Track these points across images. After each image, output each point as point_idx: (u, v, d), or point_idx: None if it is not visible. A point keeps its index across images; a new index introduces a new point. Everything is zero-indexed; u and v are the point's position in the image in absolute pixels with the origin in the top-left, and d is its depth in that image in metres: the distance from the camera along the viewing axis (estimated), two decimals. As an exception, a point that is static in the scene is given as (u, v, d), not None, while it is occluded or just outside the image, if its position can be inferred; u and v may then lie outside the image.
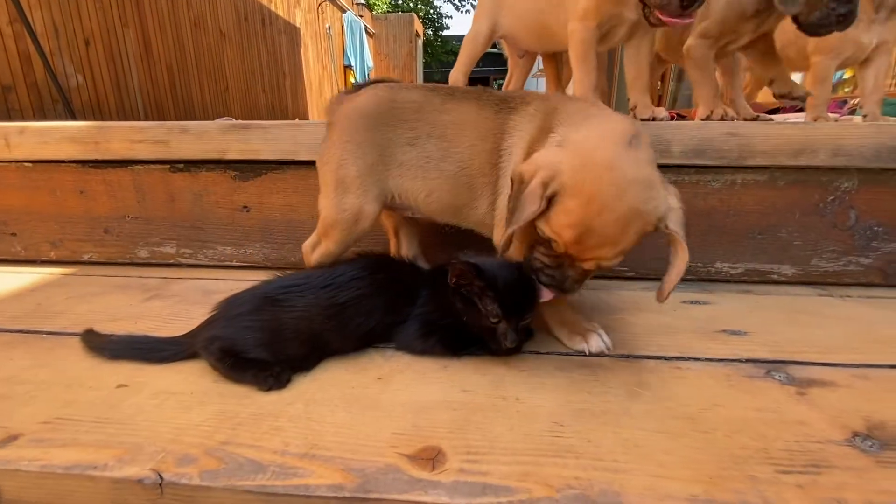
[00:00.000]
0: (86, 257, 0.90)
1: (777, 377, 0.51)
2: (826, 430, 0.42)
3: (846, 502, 0.34)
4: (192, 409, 0.45)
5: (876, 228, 0.75)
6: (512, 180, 0.50)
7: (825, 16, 0.73)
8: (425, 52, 11.98)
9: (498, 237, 0.58)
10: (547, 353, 0.57)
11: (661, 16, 0.66)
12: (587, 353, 0.56)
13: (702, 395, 0.48)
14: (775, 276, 0.79)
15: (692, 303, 0.72)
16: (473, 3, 15.16)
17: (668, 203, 0.47)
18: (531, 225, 0.48)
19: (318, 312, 0.53)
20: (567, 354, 0.56)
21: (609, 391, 0.49)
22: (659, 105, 0.87)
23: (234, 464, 0.38)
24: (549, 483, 0.36)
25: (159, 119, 3.33)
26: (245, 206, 0.84)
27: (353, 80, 7.62)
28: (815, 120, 1.03)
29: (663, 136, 0.71)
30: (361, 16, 8.06)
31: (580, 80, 0.75)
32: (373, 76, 8.40)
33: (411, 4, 12.92)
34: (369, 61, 7.92)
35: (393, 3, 12.28)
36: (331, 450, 0.40)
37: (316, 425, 0.43)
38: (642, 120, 0.76)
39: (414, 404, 0.46)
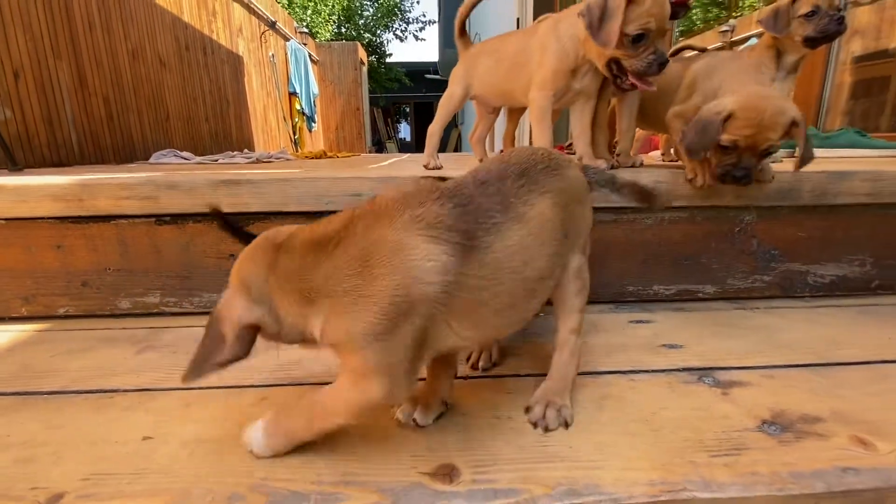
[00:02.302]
0: (61, 311, 0.89)
1: (706, 381, 0.64)
2: (743, 421, 0.55)
3: (759, 473, 0.46)
4: (224, 454, 0.50)
5: (773, 252, 0.94)
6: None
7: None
8: (370, 78, 12.16)
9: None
10: (526, 376, 0.66)
11: (635, 81, 0.80)
12: None
13: (651, 401, 0.60)
14: (701, 294, 0.95)
15: (637, 322, 0.86)
16: (416, 33, 15.66)
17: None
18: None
19: None
20: (544, 375, 0.67)
21: (580, 404, 0.59)
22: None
23: (279, 496, 0.44)
24: (544, 483, 0.45)
25: (95, 152, 3.18)
26: (232, 255, 0.88)
27: (298, 107, 7.59)
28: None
29: (606, 184, 0.85)
30: (305, 44, 8.09)
31: (538, 136, 0.88)
32: (318, 102, 8.40)
33: (354, 33, 13.11)
34: (314, 88, 7.94)
35: (336, 31, 12.41)
36: (361, 475, 0.47)
37: (342, 456, 0.50)
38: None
39: (423, 430, 0.54)
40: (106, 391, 0.64)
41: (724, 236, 0.92)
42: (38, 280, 0.88)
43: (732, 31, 5.18)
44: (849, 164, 1.00)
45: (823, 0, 1.04)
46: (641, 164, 1.00)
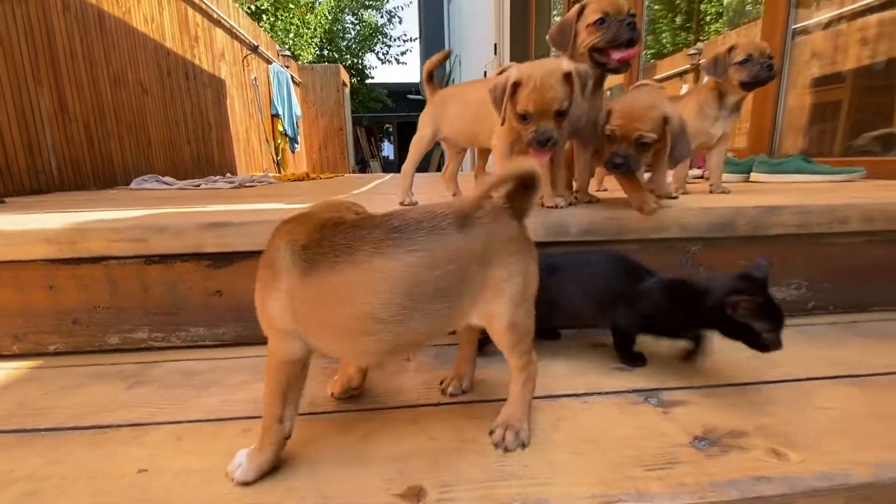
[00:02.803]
0: (51, 349, 0.93)
1: (651, 402, 0.72)
2: (678, 438, 0.63)
3: (685, 484, 0.54)
4: (216, 482, 0.56)
5: (718, 278, 1.03)
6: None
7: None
8: (353, 99, 12.33)
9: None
10: (491, 401, 0.73)
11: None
12: None
13: (602, 421, 0.67)
14: (655, 318, 1.03)
15: (596, 346, 0.93)
16: (397, 57, 15.97)
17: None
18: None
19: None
20: (503, 399, 0.73)
21: (537, 426, 0.66)
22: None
23: (265, 520, 0.49)
24: (500, 501, 0.52)
25: (75, 178, 3.18)
26: (218, 291, 0.94)
27: (280, 129, 7.65)
28: (676, 190, 1.35)
29: (563, 220, 0.94)
30: (287, 66, 8.21)
31: (500, 176, 0.97)
32: (300, 123, 8.47)
33: (336, 55, 13.32)
34: (297, 109, 8.02)
35: (318, 53, 12.58)
36: (340, 497, 0.52)
37: (322, 482, 0.55)
38: (548, 207, 0.99)
39: (395, 455, 0.60)
40: (100, 427, 0.68)
41: (674, 265, 1.01)
42: (28, 319, 0.91)
43: (700, 54, 5.46)
44: (781, 198, 1.11)
45: (755, 49, 1.17)
46: (598, 201, 1.10)
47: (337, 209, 0.64)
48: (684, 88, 5.04)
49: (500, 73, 1.00)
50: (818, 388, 0.76)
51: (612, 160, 0.92)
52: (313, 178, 5.33)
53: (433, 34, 12.98)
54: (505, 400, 0.68)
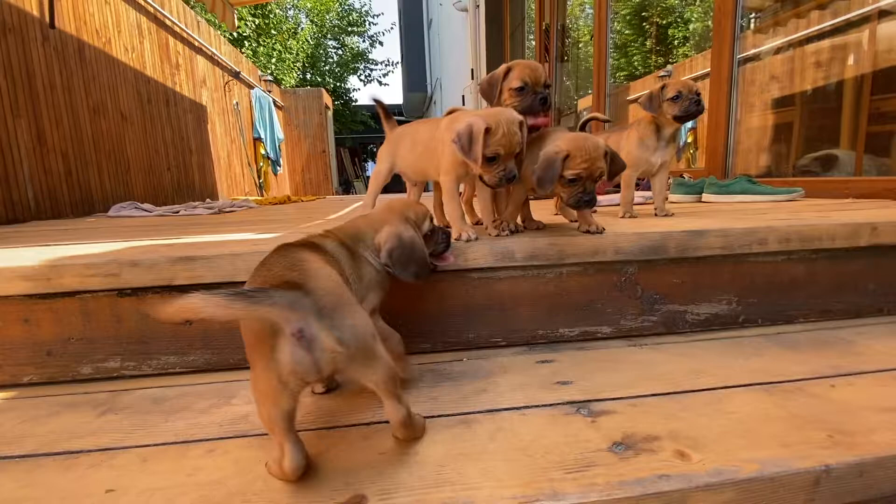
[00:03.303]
0: (25, 379, 0.97)
1: (582, 412, 0.80)
2: (599, 444, 0.70)
3: (596, 484, 0.61)
4: (176, 499, 0.61)
5: (655, 296, 1.13)
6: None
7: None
8: (336, 121, 12.50)
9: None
10: (439, 416, 0.80)
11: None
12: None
13: (535, 431, 0.75)
14: (599, 335, 1.12)
15: (543, 362, 1.01)
16: (380, 79, 16.29)
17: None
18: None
19: None
20: (453, 415, 0.80)
21: (476, 437, 0.73)
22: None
23: (220, 530, 0.55)
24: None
25: (52, 207, 3.20)
26: (188, 321, 0.99)
27: (263, 152, 7.72)
28: (623, 215, 1.46)
29: (509, 248, 1.03)
30: (270, 91, 8.33)
31: (448, 212, 1.07)
32: (283, 146, 8.54)
33: (320, 79, 13.54)
34: (279, 133, 8.11)
35: (301, 77, 12.77)
36: (289, 508, 0.58)
37: (276, 493, 0.61)
38: (494, 236, 1.08)
39: (345, 468, 0.66)
40: (72, 452, 0.73)
41: (614, 285, 1.11)
42: (4, 352, 0.96)
43: (670, 76, 5.77)
44: (707, 222, 1.22)
45: (684, 87, 1.29)
46: (543, 227, 1.19)
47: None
48: None
49: (448, 113, 1.10)
50: (731, 395, 0.84)
51: (583, 199, 1.03)
52: (294, 201, 5.39)
53: (415, 58, 13.31)
54: (449, 416, 0.75)
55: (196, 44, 5.70)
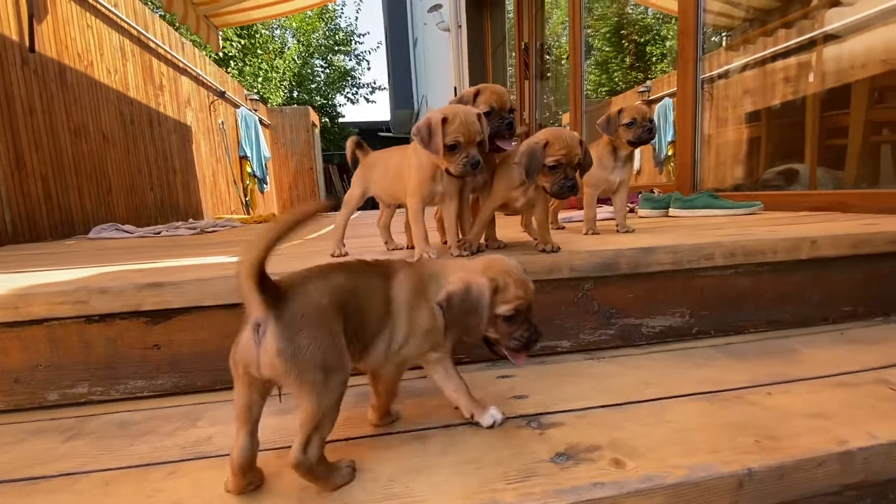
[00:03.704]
0: (-8, 407, 0.98)
1: (532, 425, 0.84)
2: (543, 455, 0.74)
3: (534, 493, 0.65)
4: (133, 520, 0.64)
5: (612, 310, 1.18)
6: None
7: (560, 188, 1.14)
8: (324, 138, 12.59)
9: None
10: (394, 433, 0.83)
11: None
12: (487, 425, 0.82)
13: (486, 444, 0.78)
14: (559, 349, 1.17)
15: (503, 377, 1.05)
16: (367, 96, 16.47)
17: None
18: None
19: None
20: (410, 431, 0.84)
21: (429, 453, 0.76)
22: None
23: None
24: (378, 517, 0.62)
25: (30, 230, 3.19)
26: (156, 345, 1.02)
27: (249, 170, 7.74)
28: (587, 232, 1.52)
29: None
30: (256, 110, 8.38)
31: (414, 232, 1.11)
32: (270, 164, 8.56)
33: (307, 97, 13.66)
34: (266, 151, 8.15)
35: (288, 95, 12.88)
36: (241, 526, 0.61)
37: (229, 513, 0.64)
38: (455, 256, 1.12)
39: (298, 484, 0.69)
40: (33, 478, 0.75)
41: (572, 301, 1.16)
42: (-29, 380, 0.97)
43: (649, 91, 5.96)
44: (658, 239, 1.28)
45: (639, 113, 1.37)
46: (504, 246, 1.25)
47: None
48: None
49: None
50: (674, 404, 0.89)
51: (566, 185, 1.10)
52: (279, 219, 5.40)
53: (401, 76, 13.51)
54: (395, 433, 0.78)
55: (181, 65, 5.75)
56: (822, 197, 1.97)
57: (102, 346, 1.00)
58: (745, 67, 2.88)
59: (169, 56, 5.43)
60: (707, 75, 2.73)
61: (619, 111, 1.41)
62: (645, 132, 1.37)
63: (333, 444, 0.80)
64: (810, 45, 2.34)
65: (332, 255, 1.24)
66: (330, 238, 1.31)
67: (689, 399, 0.91)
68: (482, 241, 1.30)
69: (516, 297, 0.77)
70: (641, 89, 6.10)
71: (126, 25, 4.58)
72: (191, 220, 4.91)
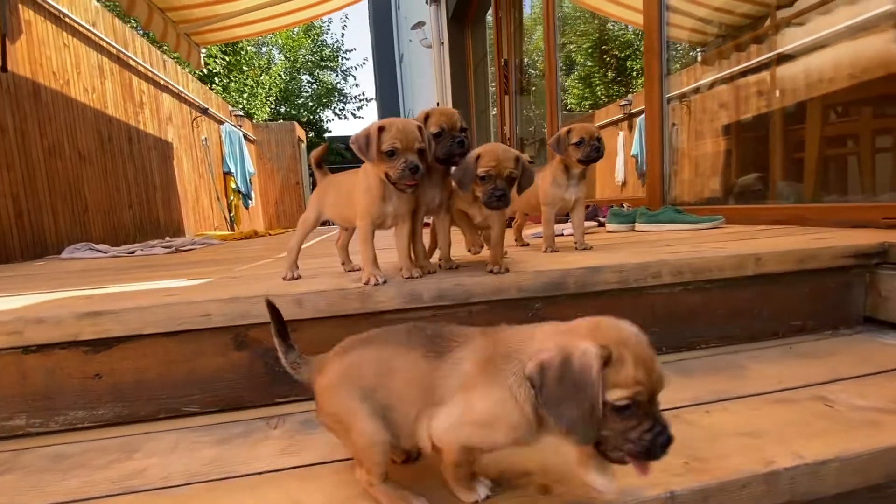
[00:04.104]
0: (-76, 443, 0.96)
1: (469, 450, 0.83)
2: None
3: (456, 524, 0.65)
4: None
5: (562, 329, 1.18)
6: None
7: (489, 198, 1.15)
8: (310, 153, 12.61)
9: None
10: (304, 466, 0.83)
11: (400, 186, 1.05)
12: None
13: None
14: (511, 369, 1.17)
15: (451, 400, 1.05)
16: (354, 112, 16.60)
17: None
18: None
19: None
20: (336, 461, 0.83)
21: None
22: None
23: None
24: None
25: (0, 251, 3.13)
26: (97, 374, 1.00)
27: (233, 186, 7.71)
28: (546, 250, 1.53)
29: (416, 290, 1.08)
30: (241, 125, 8.39)
31: (362, 253, 1.11)
32: (254, 180, 8.55)
33: (294, 112, 13.71)
34: (250, 167, 8.13)
35: (275, 110, 12.92)
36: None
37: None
38: (405, 279, 1.13)
39: (221, 521, 0.68)
40: (-50, 519, 0.73)
41: (522, 321, 1.16)
42: None
43: (630, 105, 6.08)
44: (606, 258, 1.30)
45: (586, 132, 1.40)
46: (458, 267, 1.25)
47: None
48: (620, 136, 5.55)
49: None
50: (613, 426, 0.89)
51: (494, 195, 1.11)
52: (262, 235, 5.38)
53: (388, 91, 13.65)
54: (332, 463, 0.78)
55: (162, 82, 5.76)
56: (782, 211, 2.01)
57: (41, 377, 0.98)
58: (713, 85, 2.95)
59: (150, 74, 5.43)
60: (680, 91, 2.80)
61: (568, 131, 1.43)
62: (593, 150, 1.39)
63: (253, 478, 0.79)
64: (774, 62, 2.41)
65: (284, 279, 1.24)
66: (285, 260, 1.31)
67: (629, 420, 0.91)
68: (437, 260, 1.31)
69: (636, 382, 0.54)
70: (623, 103, 6.23)
71: (105, 44, 4.58)
72: (168, 238, 4.86)
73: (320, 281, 1.18)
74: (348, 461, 0.82)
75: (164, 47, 7.11)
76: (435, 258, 1.37)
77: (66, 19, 4.04)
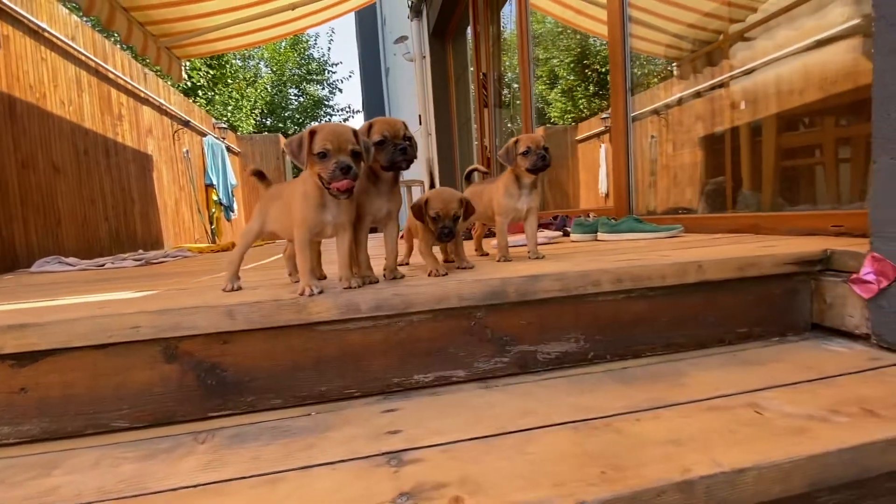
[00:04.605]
0: None
1: (392, 463, 0.82)
2: (387, 496, 0.72)
3: (358, 537, 0.63)
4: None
5: (505, 338, 1.18)
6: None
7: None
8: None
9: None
10: (249, 477, 0.81)
11: (331, 187, 1.04)
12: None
13: (335, 486, 0.76)
14: (454, 378, 1.16)
15: (388, 411, 1.04)
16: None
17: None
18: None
19: None
20: (265, 474, 0.81)
21: (275, 496, 0.74)
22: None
23: None
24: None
25: (-35, 265, 3.07)
26: (23, 388, 0.98)
27: (215, 198, 7.67)
28: (500, 259, 1.54)
29: (353, 300, 1.08)
30: (224, 138, 8.37)
31: (299, 264, 1.11)
32: (237, 192, 8.50)
33: (281, 124, 13.73)
34: (233, 179, 8.10)
35: (260, 123, 12.93)
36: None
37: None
38: (344, 289, 1.12)
39: None
40: None
41: (464, 329, 1.16)
42: None
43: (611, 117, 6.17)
44: (547, 266, 1.31)
45: (532, 142, 1.42)
46: (402, 277, 1.25)
47: None
48: (602, 148, 5.63)
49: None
50: (542, 435, 0.89)
51: (443, 231, 1.34)
52: (241, 248, 5.33)
53: (375, 104, 13.75)
54: (263, 475, 0.76)
55: (142, 95, 5.74)
56: (739, 219, 2.05)
57: (-38, 393, 0.96)
58: (680, 101, 3.01)
59: (129, 87, 5.42)
60: (659, 104, 2.86)
61: (516, 141, 1.45)
62: (539, 160, 1.41)
63: (178, 491, 0.78)
64: (741, 76, 2.47)
65: (224, 290, 1.22)
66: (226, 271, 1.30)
67: (560, 428, 0.91)
68: (383, 271, 1.30)
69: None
70: (604, 115, 6.33)
71: (83, 58, 4.57)
72: (140, 251, 4.80)
73: (259, 292, 1.17)
74: (269, 475, 0.81)
75: (147, 60, 7.12)
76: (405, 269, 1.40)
77: (45, 34, 4.03)
